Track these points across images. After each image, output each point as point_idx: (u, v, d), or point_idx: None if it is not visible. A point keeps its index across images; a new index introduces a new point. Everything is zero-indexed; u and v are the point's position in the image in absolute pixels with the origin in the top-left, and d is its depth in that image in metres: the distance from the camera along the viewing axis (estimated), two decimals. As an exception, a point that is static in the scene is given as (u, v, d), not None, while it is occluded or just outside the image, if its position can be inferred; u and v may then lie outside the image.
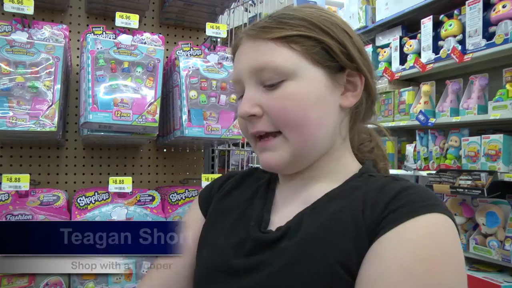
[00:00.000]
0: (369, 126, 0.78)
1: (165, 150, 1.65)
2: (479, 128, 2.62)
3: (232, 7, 1.76)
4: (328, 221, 0.58)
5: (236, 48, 0.67)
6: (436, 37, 2.71)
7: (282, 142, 0.61)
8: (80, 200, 1.28)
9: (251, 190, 0.73)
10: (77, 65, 1.48)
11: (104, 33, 1.32)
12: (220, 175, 0.94)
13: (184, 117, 1.31)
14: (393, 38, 3.14)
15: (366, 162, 0.69)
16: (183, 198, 1.43)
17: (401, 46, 3.02)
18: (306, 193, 0.66)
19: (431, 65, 2.69)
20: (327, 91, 0.62)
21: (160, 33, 1.45)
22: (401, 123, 2.96)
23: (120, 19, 1.30)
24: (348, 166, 0.68)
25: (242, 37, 0.65)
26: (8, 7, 1.19)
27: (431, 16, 2.71)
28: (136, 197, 1.34)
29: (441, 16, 2.63)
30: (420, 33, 2.83)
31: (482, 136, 2.38)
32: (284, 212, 0.66)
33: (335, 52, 0.62)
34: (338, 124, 0.65)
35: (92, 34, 1.30)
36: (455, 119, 2.55)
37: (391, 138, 0.78)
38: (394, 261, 0.50)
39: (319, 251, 0.55)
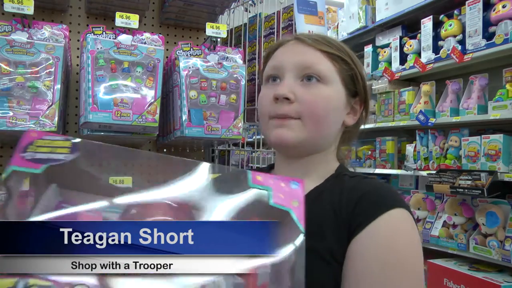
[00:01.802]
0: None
1: (165, 150, 1.65)
2: (479, 128, 2.62)
3: (232, 7, 1.76)
4: (316, 214, 0.68)
5: (280, 45, 0.80)
6: (436, 37, 2.71)
7: (300, 125, 0.73)
8: (80, 200, 1.28)
9: None
10: (77, 65, 1.48)
11: (104, 33, 1.32)
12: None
13: (184, 117, 1.31)
14: (393, 38, 3.14)
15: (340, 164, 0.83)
16: (183, 198, 1.43)
17: (401, 46, 3.02)
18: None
19: (431, 65, 2.69)
20: (342, 106, 0.77)
21: (160, 33, 1.45)
22: (401, 123, 2.96)
23: (120, 19, 1.30)
24: (331, 169, 0.80)
25: (291, 39, 0.79)
26: (8, 7, 1.19)
27: (431, 16, 2.71)
28: (136, 197, 1.34)
29: (441, 16, 2.63)
30: (420, 33, 2.83)
31: (482, 136, 2.38)
32: None
33: (358, 81, 0.78)
34: (336, 135, 0.80)
35: (92, 34, 1.30)
36: (455, 119, 2.55)
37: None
38: (372, 257, 0.63)
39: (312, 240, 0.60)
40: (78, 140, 0.52)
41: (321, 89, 0.73)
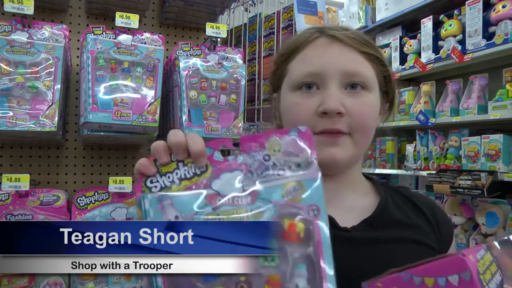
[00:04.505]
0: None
1: (165, 150, 1.64)
2: (479, 128, 2.62)
3: (232, 7, 1.76)
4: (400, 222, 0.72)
5: (308, 43, 0.70)
6: (436, 37, 2.71)
7: (350, 141, 0.67)
8: (80, 200, 1.28)
9: None
10: (77, 65, 1.48)
11: (104, 33, 1.32)
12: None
13: (184, 117, 1.31)
14: (393, 38, 3.14)
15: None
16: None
17: (401, 46, 3.02)
18: (342, 201, 0.73)
19: (431, 65, 2.69)
20: (378, 110, 0.73)
21: (160, 33, 1.45)
22: (401, 123, 2.96)
23: (120, 19, 1.30)
24: (364, 179, 0.79)
25: (318, 36, 0.69)
26: (8, 7, 1.19)
27: (431, 16, 2.71)
28: (136, 197, 1.34)
29: (441, 16, 2.63)
30: (420, 33, 2.83)
31: (482, 136, 2.38)
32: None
33: (390, 82, 0.74)
34: None
35: (92, 34, 1.30)
36: (455, 119, 2.55)
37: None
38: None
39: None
40: None
41: (367, 97, 0.68)
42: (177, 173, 0.47)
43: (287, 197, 0.45)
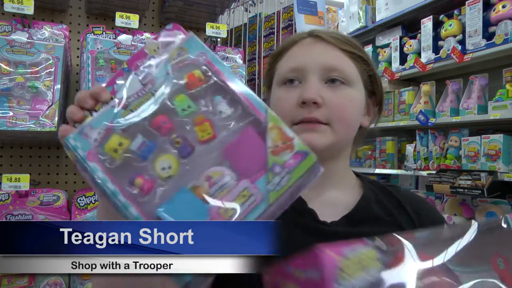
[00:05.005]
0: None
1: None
2: (479, 128, 2.62)
3: (232, 7, 1.76)
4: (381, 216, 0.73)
5: (295, 43, 0.76)
6: (436, 37, 2.71)
7: (329, 130, 0.70)
8: (80, 200, 1.28)
9: None
10: (77, 65, 1.48)
11: (104, 33, 1.33)
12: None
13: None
14: (393, 38, 3.14)
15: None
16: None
17: (401, 46, 3.02)
18: (325, 196, 0.75)
19: (431, 65, 2.69)
20: (362, 108, 0.76)
21: (160, 33, 1.45)
22: (401, 123, 2.96)
23: (120, 19, 1.30)
24: (351, 175, 0.80)
25: (305, 36, 0.75)
26: (8, 7, 1.19)
27: (431, 16, 2.71)
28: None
29: (441, 16, 2.63)
30: (420, 33, 2.83)
31: (482, 136, 2.38)
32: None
33: (376, 82, 0.77)
34: (354, 136, 0.77)
35: (92, 34, 1.30)
36: (455, 119, 2.55)
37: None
38: None
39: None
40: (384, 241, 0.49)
41: (347, 91, 0.71)
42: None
43: (176, 63, 0.51)
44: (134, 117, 0.49)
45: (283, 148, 0.47)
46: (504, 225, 0.49)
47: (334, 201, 0.74)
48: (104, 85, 0.54)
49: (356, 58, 0.73)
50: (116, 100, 0.50)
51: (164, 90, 0.50)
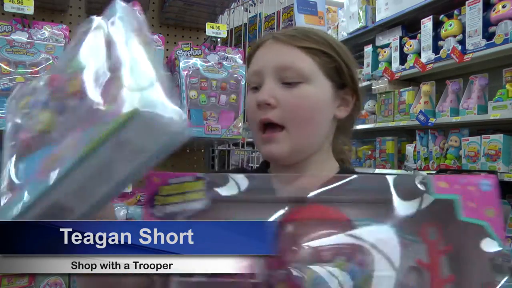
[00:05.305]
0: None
1: (165, 150, 1.64)
2: (479, 128, 2.62)
3: (232, 7, 1.76)
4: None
5: (259, 46, 0.76)
6: (436, 37, 2.71)
7: (285, 136, 0.70)
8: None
9: None
10: (77, 65, 1.48)
11: (104, 33, 1.32)
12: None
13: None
14: (393, 38, 3.14)
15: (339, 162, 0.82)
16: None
17: (401, 46, 3.02)
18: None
19: (431, 65, 2.69)
20: (330, 101, 0.74)
21: (160, 33, 1.45)
22: (401, 123, 2.96)
23: (120, 19, 1.30)
24: (331, 169, 0.79)
25: (268, 38, 0.75)
26: (8, 7, 1.19)
27: (431, 16, 2.71)
28: (136, 197, 1.34)
29: (441, 16, 2.63)
30: (420, 33, 2.83)
31: (482, 136, 2.38)
32: None
33: (343, 72, 0.74)
34: (328, 131, 0.76)
35: (92, 34, 1.30)
36: (455, 119, 2.55)
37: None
38: None
39: None
40: (209, 176, 0.48)
41: (303, 89, 0.70)
42: None
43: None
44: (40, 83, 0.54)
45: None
46: (421, 187, 0.45)
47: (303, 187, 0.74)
48: None
49: (316, 52, 0.72)
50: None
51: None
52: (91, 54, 0.48)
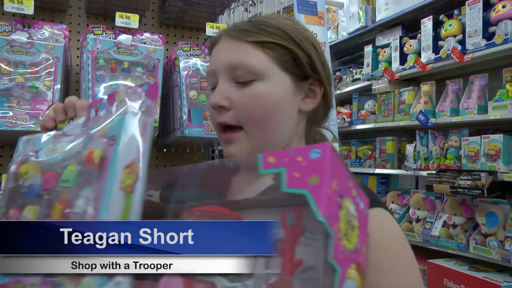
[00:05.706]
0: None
1: (165, 150, 1.65)
2: (479, 128, 2.62)
3: (232, 7, 1.76)
4: None
5: (214, 44, 0.72)
6: (436, 37, 2.71)
7: (243, 137, 0.68)
8: (80, 200, 1.28)
9: None
10: (77, 65, 1.48)
11: (104, 33, 1.32)
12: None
13: (184, 117, 1.31)
14: (393, 38, 3.14)
15: None
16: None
17: (401, 46, 3.02)
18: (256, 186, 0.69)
19: (431, 65, 2.69)
20: (290, 95, 0.69)
21: (160, 33, 1.45)
22: (401, 123, 2.96)
23: (120, 19, 1.30)
24: None
25: (221, 35, 0.71)
26: (8, 7, 1.19)
27: (431, 16, 2.71)
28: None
29: (441, 16, 2.63)
30: (420, 33, 2.83)
31: (482, 136, 2.38)
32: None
33: (302, 63, 0.69)
34: (295, 126, 0.72)
35: (92, 34, 1.30)
36: (455, 119, 2.55)
37: (339, 142, 0.83)
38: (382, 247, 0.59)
39: None
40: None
41: (257, 88, 0.66)
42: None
43: (99, 131, 0.52)
44: (46, 156, 0.55)
45: None
46: (263, 172, 0.42)
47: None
48: (86, 102, 0.60)
49: (269, 46, 0.67)
50: (56, 133, 0.57)
51: (74, 149, 0.53)
52: (85, 175, 0.51)
